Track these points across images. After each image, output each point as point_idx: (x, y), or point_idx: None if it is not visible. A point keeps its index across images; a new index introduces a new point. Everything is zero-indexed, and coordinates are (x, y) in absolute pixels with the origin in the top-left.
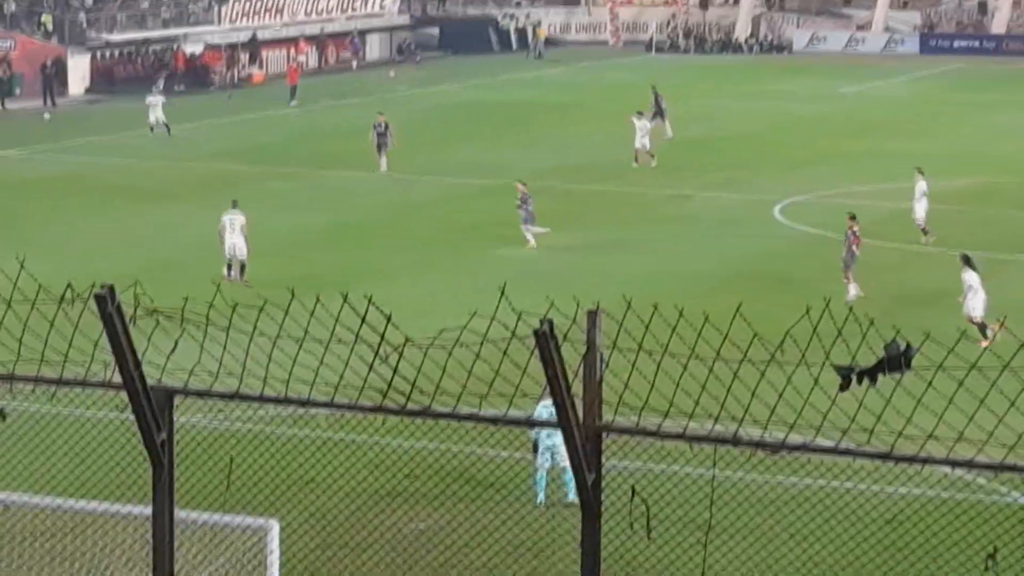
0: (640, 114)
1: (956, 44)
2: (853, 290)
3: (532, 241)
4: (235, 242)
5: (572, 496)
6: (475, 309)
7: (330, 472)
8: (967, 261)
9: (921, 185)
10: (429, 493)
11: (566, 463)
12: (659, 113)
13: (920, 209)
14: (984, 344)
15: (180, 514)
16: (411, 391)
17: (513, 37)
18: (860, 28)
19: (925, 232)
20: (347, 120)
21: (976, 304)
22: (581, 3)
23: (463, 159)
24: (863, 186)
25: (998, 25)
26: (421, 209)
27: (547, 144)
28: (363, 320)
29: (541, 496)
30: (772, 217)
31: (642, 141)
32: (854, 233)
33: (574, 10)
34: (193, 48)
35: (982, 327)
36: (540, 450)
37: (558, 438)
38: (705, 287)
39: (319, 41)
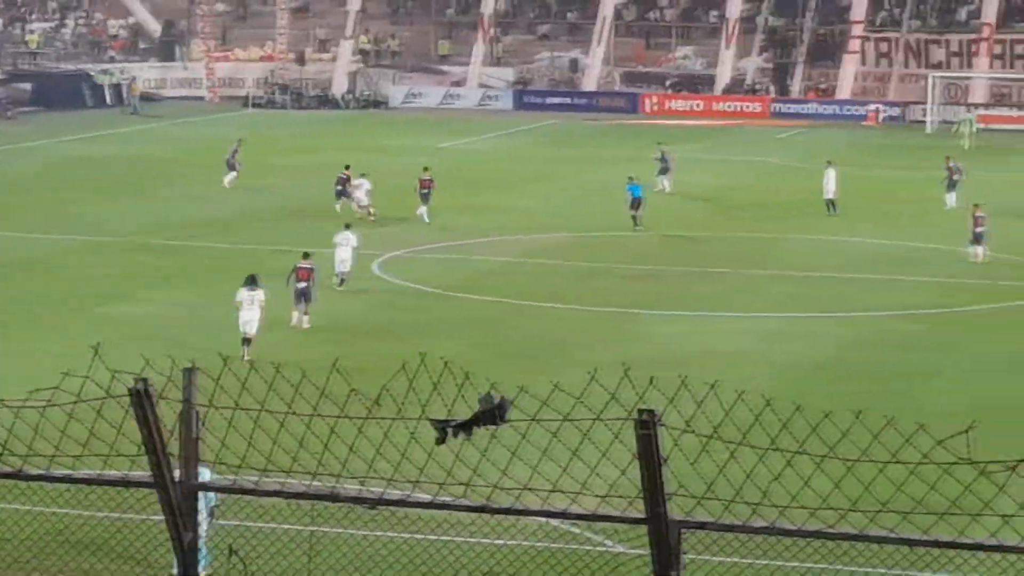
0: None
1: (549, 100)
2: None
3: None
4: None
5: (202, 570)
6: (75, 367)
7: None
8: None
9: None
10: (21, 558)
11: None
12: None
13: None
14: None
15: None
16: (1, 452)
17: (108, 92)
18: (456, 84)
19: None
20: None
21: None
22: (177, 58)
23: (61, 215)
24: (460, 240)
25: (589, 82)
26: (20, 266)
27: (146, 200)
28: None
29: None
30: (372, 272)
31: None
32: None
33: (170, 65)
34: None
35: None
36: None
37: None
38: (306, 340)
39: None
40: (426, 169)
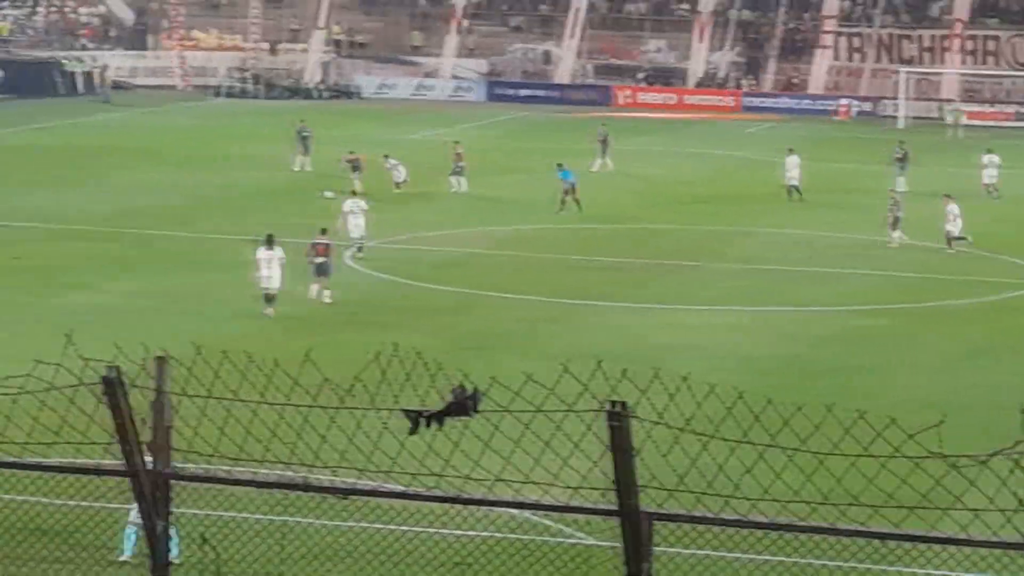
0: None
1: (522, 93)
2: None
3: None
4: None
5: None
6: (40, 355)
7: None
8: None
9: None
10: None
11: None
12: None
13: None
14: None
15: None
16: None
17: (79, 80)
18: (428, 75)
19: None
20: None
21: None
22: (149, 47)
23: (27, 204)
24: (429, 231)
25: (562, 75)
26: None
27: (115, 188)
28: None
29: (127, 552)
30: (343, 262)
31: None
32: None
33: (142, 54)
34: None
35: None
36: (134, 505)
37: None
38: (275, 331)
39: None
40: (456, 143)
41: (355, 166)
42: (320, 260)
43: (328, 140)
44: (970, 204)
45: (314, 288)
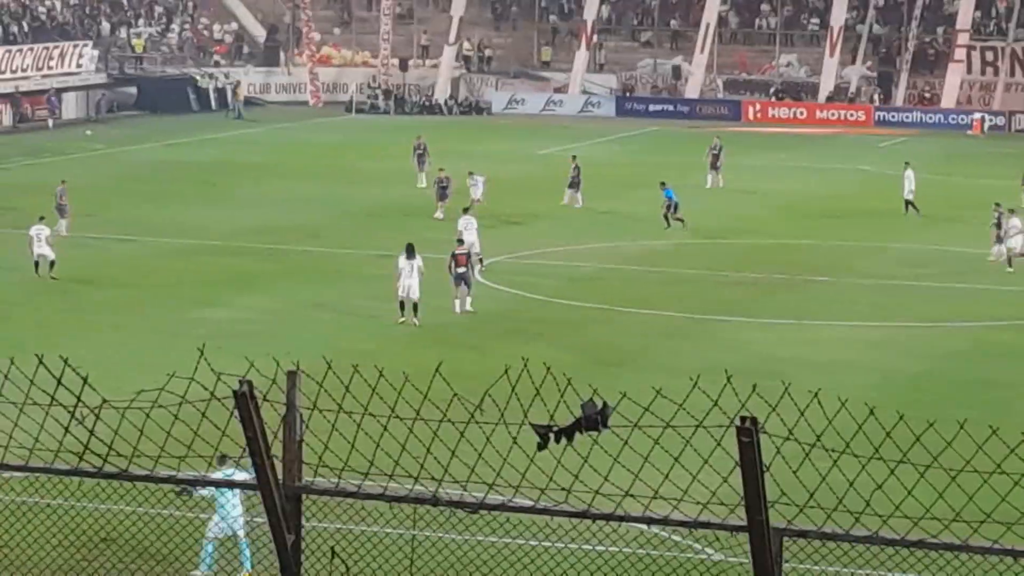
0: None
1: (651, 108)
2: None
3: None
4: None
5: (248, 567)
6: (174, 370)
7: (24, 537)
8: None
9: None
10: (126, 557)
11: (242, 532)
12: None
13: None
14: None
15: None
16: (108, 453)
17: (212, 96)
18: (558, 90)
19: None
20: (41, 177)
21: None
22: (281, 63)
23: (162, 219)
24: (561, 246)
25: (692, 90)
26: (119, 268)
27: (247, 204)
28: (59, 381)
29: (205, 567)
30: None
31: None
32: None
33: (274, 70)
34: None
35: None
36: (216, 520)
37: (238, 510)
38: (405, 346)
39: (13, 99)
40: (574, 158)
41: (443, 185)
42: (461, 270)
43: (458, 155)
44: None
45: (457, 301)
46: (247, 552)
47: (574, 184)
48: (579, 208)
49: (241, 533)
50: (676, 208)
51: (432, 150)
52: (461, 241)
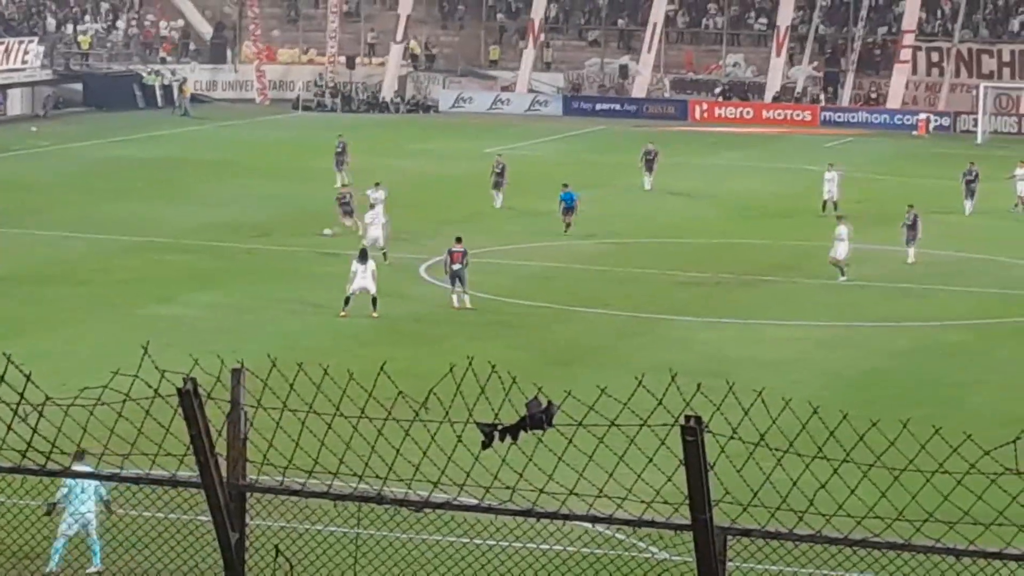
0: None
1: (599, 107)
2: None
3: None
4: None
5: (98, 564)
6: (120, 367)
7: None
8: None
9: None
10: (68, 555)
11: (94, 532)
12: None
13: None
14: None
15: None
16: (51, 451)
17: (159, 93)
18: (505, 89)
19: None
20: None
21: None
22: (228, 61)
23: (109, 215)
24: (506, 245)
25: (639, 89)
26: (67, 265)
27: (195, 201)
28: (1, 378)
29: (53, 564)
30: (419, 276)
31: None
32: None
33: (220, 67)
34: None
35: None
36: (66, 517)
37: (88, 506)
38: (353, 343)
39: None
40: (499, 155)
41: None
42: (456, 267)
43: (405, 154)
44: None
45: (454, 298)
46: (96, 547)
47: (497, 185)
48: (498, 208)
49: (92, 529)
50: (570, 213)
51: (379, 149)
52: (459, 239)
